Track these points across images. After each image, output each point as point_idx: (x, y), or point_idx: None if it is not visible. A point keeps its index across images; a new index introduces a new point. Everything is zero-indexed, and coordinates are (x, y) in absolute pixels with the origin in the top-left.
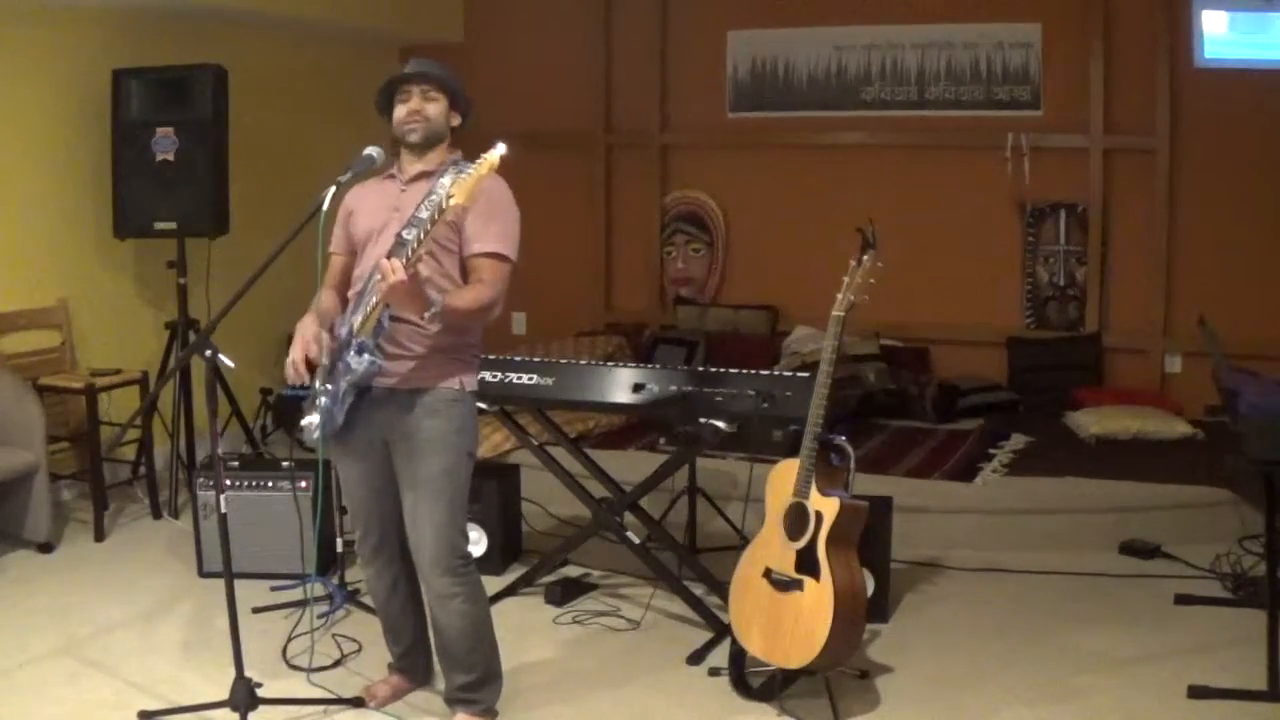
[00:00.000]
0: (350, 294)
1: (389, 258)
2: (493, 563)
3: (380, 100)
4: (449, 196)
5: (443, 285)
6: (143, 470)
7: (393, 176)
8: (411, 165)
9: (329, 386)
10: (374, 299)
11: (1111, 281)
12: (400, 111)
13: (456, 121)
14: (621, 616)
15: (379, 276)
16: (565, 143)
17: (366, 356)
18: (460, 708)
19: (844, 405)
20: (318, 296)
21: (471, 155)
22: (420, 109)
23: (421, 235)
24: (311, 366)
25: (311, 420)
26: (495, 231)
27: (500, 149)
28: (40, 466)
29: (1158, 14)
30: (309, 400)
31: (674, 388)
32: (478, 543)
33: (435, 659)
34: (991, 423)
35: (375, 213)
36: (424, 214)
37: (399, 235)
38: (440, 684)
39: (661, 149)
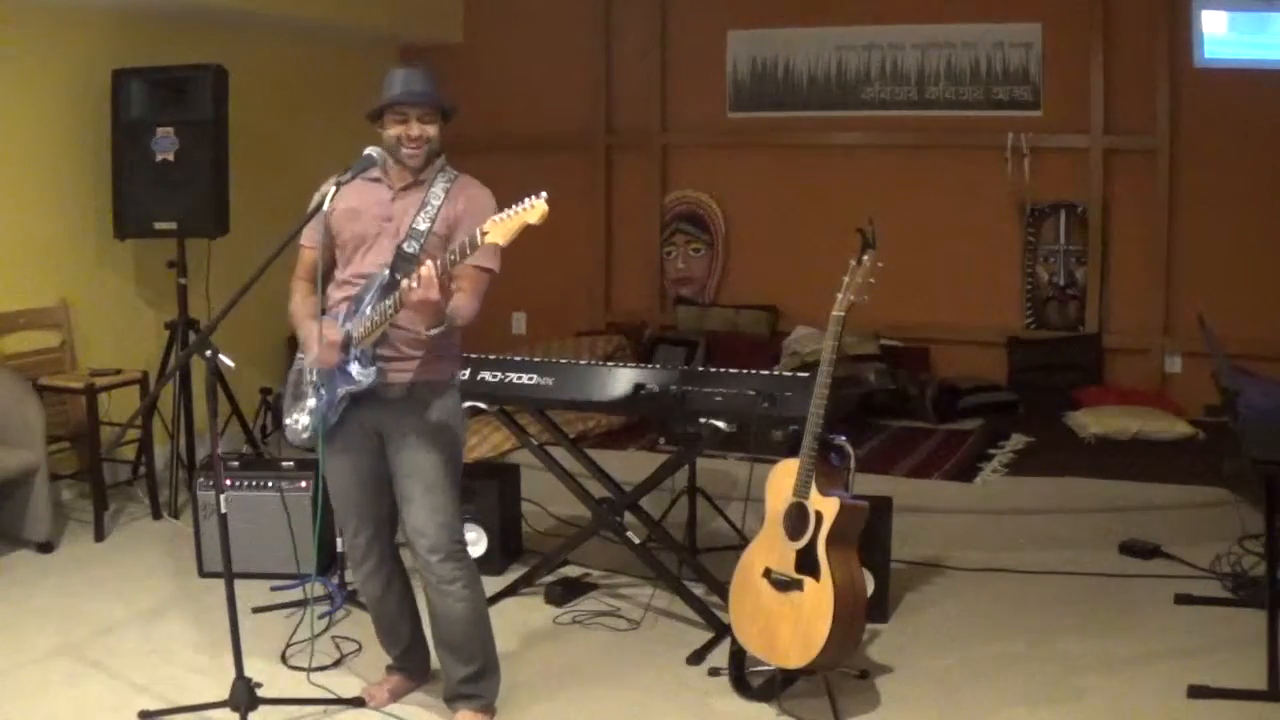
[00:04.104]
0: (339, 296)
1: (394, 273)
2: (493, 563)
3: (373, 113)
4: (484, 233)
5: None
6: (143, 470)
7: (378, 180)
8: (402, 175)
9: (323, 390)
10: (378, 310)
11: (1111, 281)
12: (397, 132)
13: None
14: (621, 616)
15: (415, 284)
16: (565, 143)
17: (373, 368)
18: (461, 703)
19: (844, 405)
20: (292, 296)
21: (455, 160)
22: (421, 134)
23: (454, 257)
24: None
25: (300, 420)
26: (484, 246)
27: (543, 198)
28: (40, 466)
29: (1158, 14)
30: (290, 399)
31: (674, 388)
32: (477, 543)
33: (434, 656)
34: (991, 423)
35: (365, 219)
36: (422, 226)
37: (400, 249)
38: (440, 683)
39: (661, 149)
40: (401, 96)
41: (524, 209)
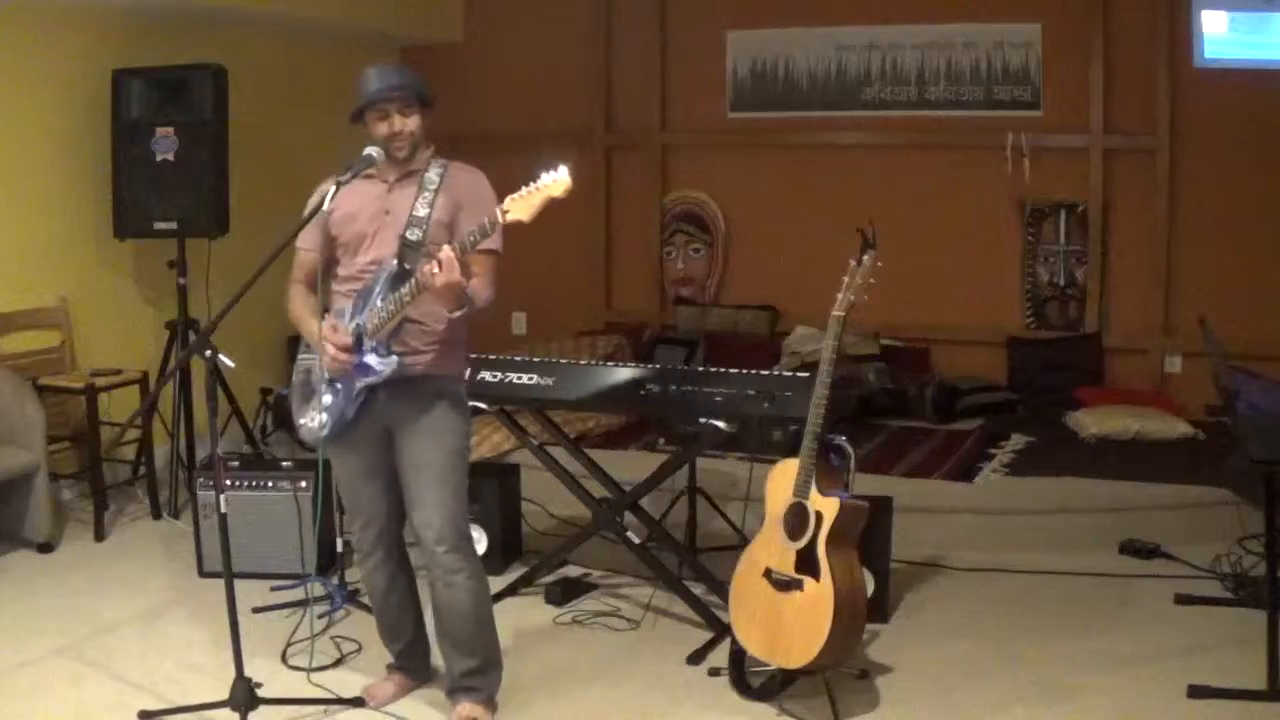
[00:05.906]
0: (345, 290)
1: (403, 262)
2: (493, 563)
3: (354, 114)
4: (505, 211)
5: None
6: (143, 470)
7: (371, 177)
8: (395, 168)
9: (338, 386)
10: (391, 300)
11: (1111, 281)
12: (383, 129)
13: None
14: (621, 616)
15: (437, 269)
16: (565, 142)
17: (392, 358)
18: (462, 695)
19: (844, 405)
20: (291, 299)
21: (448, 151)
22: (403, 129)
23: (474, 238)
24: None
25: (316, 418)
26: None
27: (565, 171)
28: (40, 466)
29: (1158, 14)
30: (299, 400)
31: (674, 388)
32: (478, 542)
33: (435, 653)
34: (991, 423)
35: (364, 216)
36: (422, 212)
37: (403, 238)
38: (440, 684)
39: (661, 149)
40: (381, 92)
41: (546, 183)
